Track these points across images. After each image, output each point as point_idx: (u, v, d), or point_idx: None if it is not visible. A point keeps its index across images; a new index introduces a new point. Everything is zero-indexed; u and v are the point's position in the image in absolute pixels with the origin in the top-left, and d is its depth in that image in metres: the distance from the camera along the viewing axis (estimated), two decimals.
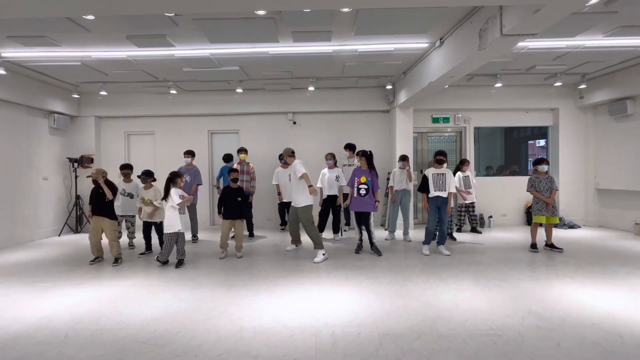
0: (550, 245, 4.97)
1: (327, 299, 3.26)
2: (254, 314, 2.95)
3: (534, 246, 4.96)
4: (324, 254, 4.58)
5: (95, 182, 4.63)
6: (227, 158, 6.38)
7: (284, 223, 6.77)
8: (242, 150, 6.12)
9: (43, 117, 6.65)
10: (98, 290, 3.62)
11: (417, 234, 6.23)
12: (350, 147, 6.28)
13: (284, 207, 6.48)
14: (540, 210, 4.89)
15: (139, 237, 5.67)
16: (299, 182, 4.63)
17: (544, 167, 4.93)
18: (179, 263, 4.47)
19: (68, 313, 3.06)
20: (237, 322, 2.79)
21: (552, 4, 2.76)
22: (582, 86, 6.48)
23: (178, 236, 4.55)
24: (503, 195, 7.24)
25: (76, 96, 6.86)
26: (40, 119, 6.58)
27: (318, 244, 4.63)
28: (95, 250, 4.64)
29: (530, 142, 9.53)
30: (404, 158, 5.75)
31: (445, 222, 4.91)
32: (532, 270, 4.08)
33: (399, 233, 6.10)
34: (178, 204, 4.40)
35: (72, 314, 3.04)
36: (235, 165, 5.93)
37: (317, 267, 4.28)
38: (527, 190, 5.03)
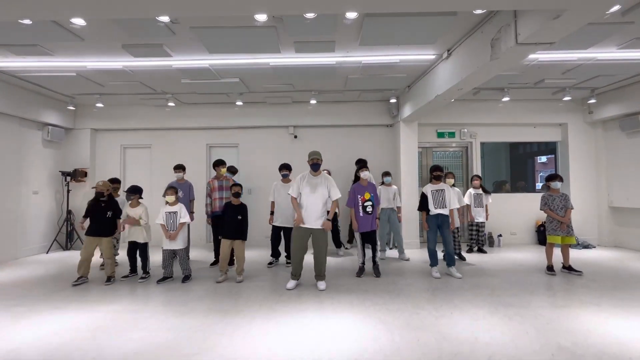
0: (567, 268, 4.64)
1: (330, 329, 2.93)
2: (248, 347, 2.63)
3: (550, 268, 4.64)
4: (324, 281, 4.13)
5: (99, 194, 4.40)
6: (230, 169, 5.80)
7: (275, 254, 5.30)
8: (220, 163, 5.25)
9: (37, 129, 6.45)
10: (77, 316, 3.29)
11: (423, 254, 5.91)
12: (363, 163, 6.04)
13: (280, 233, 5.28)
14: (555, 230, 4.59)
15: (122, 255, 5.37)
16: (325, 201, 4.04)
17: (557, 184, 4.67)
18: (185, 278, 4.41)
19: (40, 344, 2.73)
20: (228, 359, 2.46)
21: (573, 9, 2.57)
22: (592, 101, 6.31)
23: (175, 253, 4.39)
24: (512, 212, 6.95)
25: (72, 108, 6.67)
26: (33, 130, 6.38)
27: (324, 275, 4.08)
28: (82, 269, 4.33)
29: (537, 157, 9.31)
30: (388, 174, 5.59)
31: (450, 241, 4.55)
32: (552, 296, 3.75)
33: (390, 252, 5.92)
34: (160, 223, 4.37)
35: (44, 345, 2.71)
36: (210, 180, 5.26)
37: (319, 292, 3.94)
38: (541, 209, 4.76)
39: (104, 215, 4.36)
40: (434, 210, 4.50)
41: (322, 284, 4.03)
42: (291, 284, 4.04)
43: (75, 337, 2.85)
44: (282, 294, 3.88)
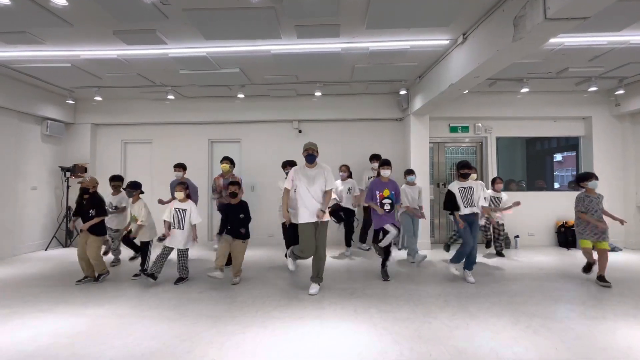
0: (599, 277, 4.07)
1: (331, 340, 2.62)
2: (238, 359, 2.34)
3: (588, 268, 4.21)
4: (319, 284, 3.82)
5: (83, 189, 4.21)
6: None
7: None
8: (225, 160, 5.09)
9: (35, 124, 6.30)
10: (60, 320, 3.06)
11: (435, 254, 5.54)
12: (377, 157, 5.64)
13: (295, 231, 4.54)
14: (582, 234, 4.14)
15: (124, 253, 5.22)
16: (322, 193, 3.74)
17: (595, 184, 4.11)
18: (178, 280, 4.12)
19: (14, 352, 2.50)
20: None
21: None
22: (620, 92, 5.82)
23: (178, 252, 4.14)
24: (530, 212, 6.51)
25: (71, 102, 6.52)
26: (32, 125, 6.23)
27: (321, 277, 3.79)
28: (85, 268, 4.18)
29: (555, 154, 8.80)
30: (412, 172, 5.13)
31: (476, 243, 4.18)
32: (581, 304, 3.36)
33: (399, 253, 5.47)
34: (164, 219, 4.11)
35: (18, 353, 2.48)
36: (217, 177, 5.13)
37: (321, 296, 3.64)
38: (577, 209, 4.18)
39: (87, 213, 4.15)
40: (464, 210, 4.10)
41: (314, 288, 3.71)
42: (292, 265, 4.02)
43: (53, 343, 2.62)
44: (280, 298, 3.59)
